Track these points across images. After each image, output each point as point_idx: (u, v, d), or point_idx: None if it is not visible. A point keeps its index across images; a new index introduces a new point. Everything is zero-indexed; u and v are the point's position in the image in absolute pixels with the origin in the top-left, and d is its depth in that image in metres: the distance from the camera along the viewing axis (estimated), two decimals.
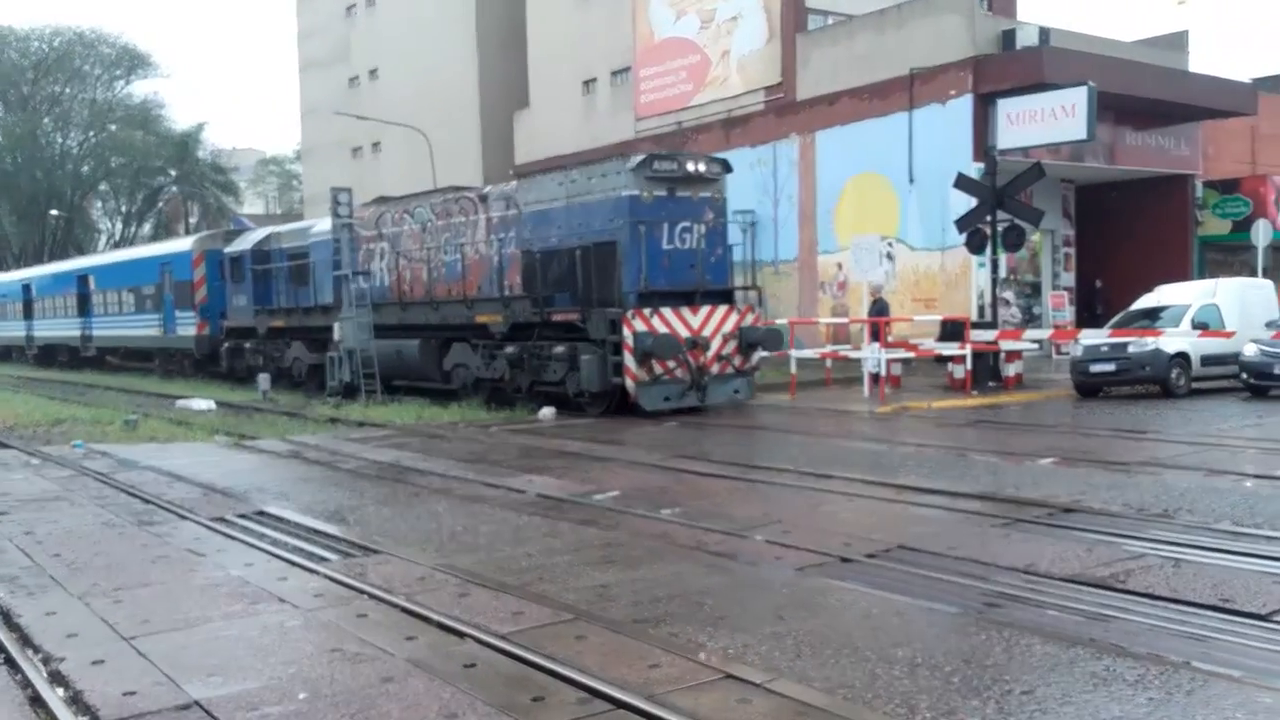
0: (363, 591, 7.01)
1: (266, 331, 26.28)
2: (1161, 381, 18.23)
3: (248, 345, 27.40)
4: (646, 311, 16.59)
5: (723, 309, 17.60)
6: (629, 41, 33.29)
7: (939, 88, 24.17)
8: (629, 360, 16.54)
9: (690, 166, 17.49)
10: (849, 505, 9.55)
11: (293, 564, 7.89)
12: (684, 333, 16.86)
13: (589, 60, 35.26)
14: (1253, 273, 25.55)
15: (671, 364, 16.84)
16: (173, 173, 66.00)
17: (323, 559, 8.03)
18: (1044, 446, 12.83)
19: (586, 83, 35.93)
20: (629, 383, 16.63)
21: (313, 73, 51.97)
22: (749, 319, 17.94)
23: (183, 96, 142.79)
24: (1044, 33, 24.60)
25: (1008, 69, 23.72)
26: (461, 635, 6.02)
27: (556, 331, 17.89)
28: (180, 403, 22.05)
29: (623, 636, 5.94)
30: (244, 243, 27.80)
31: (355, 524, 9.43)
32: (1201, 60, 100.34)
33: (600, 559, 7.78)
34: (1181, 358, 18.36)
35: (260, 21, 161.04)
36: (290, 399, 22.82)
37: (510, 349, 18.63)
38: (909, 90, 24.58)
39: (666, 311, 16.80)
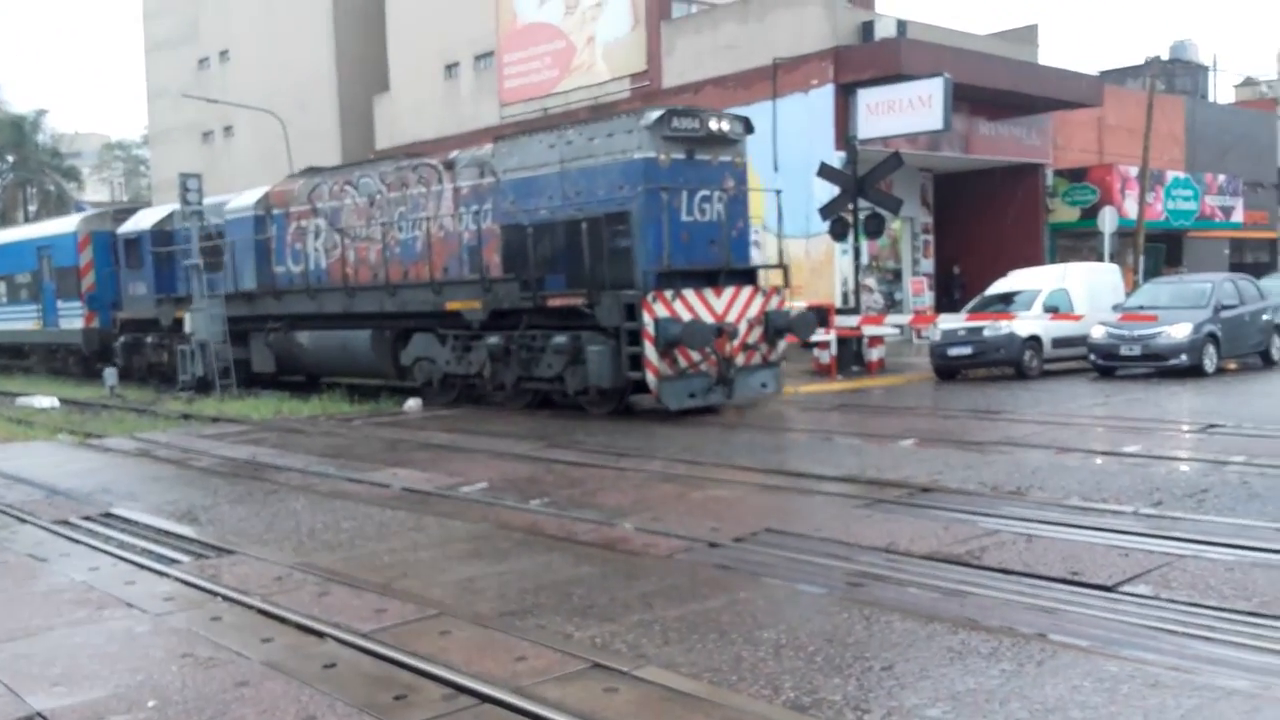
0: (216, 594, 6.73)
1: (171, 324, 22.67)
2: (1015, 363, 18.93)
3: (149, 340, 23.88)
4: (668, 294, 14.31)
5: (747, 290, 15.32)
6: (492, 26, 32.87)
7: (801, 77, 24.55)
8: (650, 352, 14.18)
9: (714, 124, 15.11)
10: (718, 491, 9.62)
11: (141, 567, 7.55)
12: (708, 319, 14.62)
13: (451, 44, 34.67)
14: (1100, 258, 26.77)
15: (697, 356, 14.66)
16: (10, 159, 62.51)
17: (174, 561, 7.69)
18: (905, 428, 13.17)
19: (449, 67, 35.34)
20: (650, 378, 14.31)
21: (160, 54, 49.78)
22: (773, 302, 15.73)
23: (21, 80, 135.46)
24: (901, 25, 25.22)
25: (867, 60, 24.24)
26: (321, 635, 5.83)
27: (549, 319, 15.65)
28: (21, 400, 20.92)
29: (489, 630, 5.84)
30: (141, 222, 24.14)
31: (209, 524, 9.07)
32: (1051, 54, 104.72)
33: (467, 552, 7.65)
34: (1034, 340, 19.10)
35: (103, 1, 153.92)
36: (140, 394, 21.85)
37: (493, 339, 16.25)
38: (772, 80, 24.90)
39: (689, 294, 14.54)
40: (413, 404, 17.53)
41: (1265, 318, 19.72)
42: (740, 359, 15.09)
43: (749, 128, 15.77)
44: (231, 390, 19.98)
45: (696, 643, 5.51)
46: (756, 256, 18.19)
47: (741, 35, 26.09)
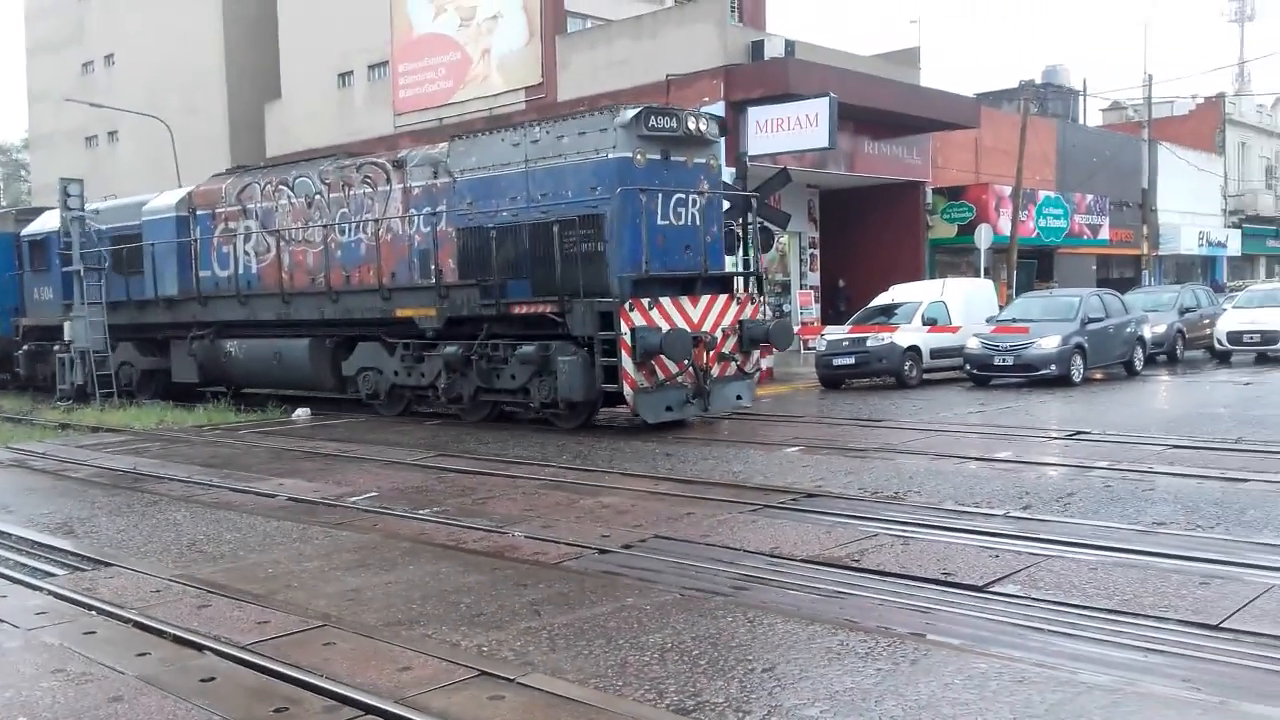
0: (91, 607, 6.55)
1: None
2: (896, 373, 19.49)
3: (57, 348, 21.43)
4: (645, 302, 13.74)
5: (723, 299, 14.82)
6: (387, 36, 32.51)
7: (693, 94, 24.86)
8: (627, 363, 13.53)
9: (692, 124, 14.46)
10: (609, 498, 9.69)
11: (13, 581, 7.30)
12: (684, 328, 14.04)
13: (345, 53, 34.16)
14: (976, 273, 27.73)
15: (674, 368, 14.02)
16: None
17: (47, 574, 7.46)
18: (791, 436, 13.46)
19: (343, 75, 34.80)
20: (626, 390, 13.62)
21: (42, 56, 47.88)
22: (747, 310, 15.19)
23: None
24: (790, 45, 25.76)
25: (756, 79, 24.68)
26: (200, 648, 5.72)
27: (512, 327, 14.94)
28: None
29: (374, 640, 5.81)
30: (47, 223, 22.31)
31: (85, 536, 8.80)
32: (931, 76, 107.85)
33: (353, 563, 7.58)
34: (914, 351, 19.70)
35: None
36: (17, 404, 20.98)
37: (450, 349, 15.33)
38: (665, 96, 25.16)
39: (666, 302, 13.99)
40: (301, 413, 17.22)
41: (1129, 330, 20.68)
42: (714, 370, 14.59)
43: (724, 129, 15.22)
44: (113, 400, 19.26)
45: (583, 649, 5.57)
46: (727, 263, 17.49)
47: (635, 51, 26.33)
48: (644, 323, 13.60)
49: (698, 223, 14.62)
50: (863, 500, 9.27)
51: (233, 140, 38.53)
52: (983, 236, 27.85)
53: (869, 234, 29.93)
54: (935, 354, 20.05)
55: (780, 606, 6.23)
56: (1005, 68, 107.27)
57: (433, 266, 15.66)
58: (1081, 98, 45.36)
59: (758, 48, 25.48)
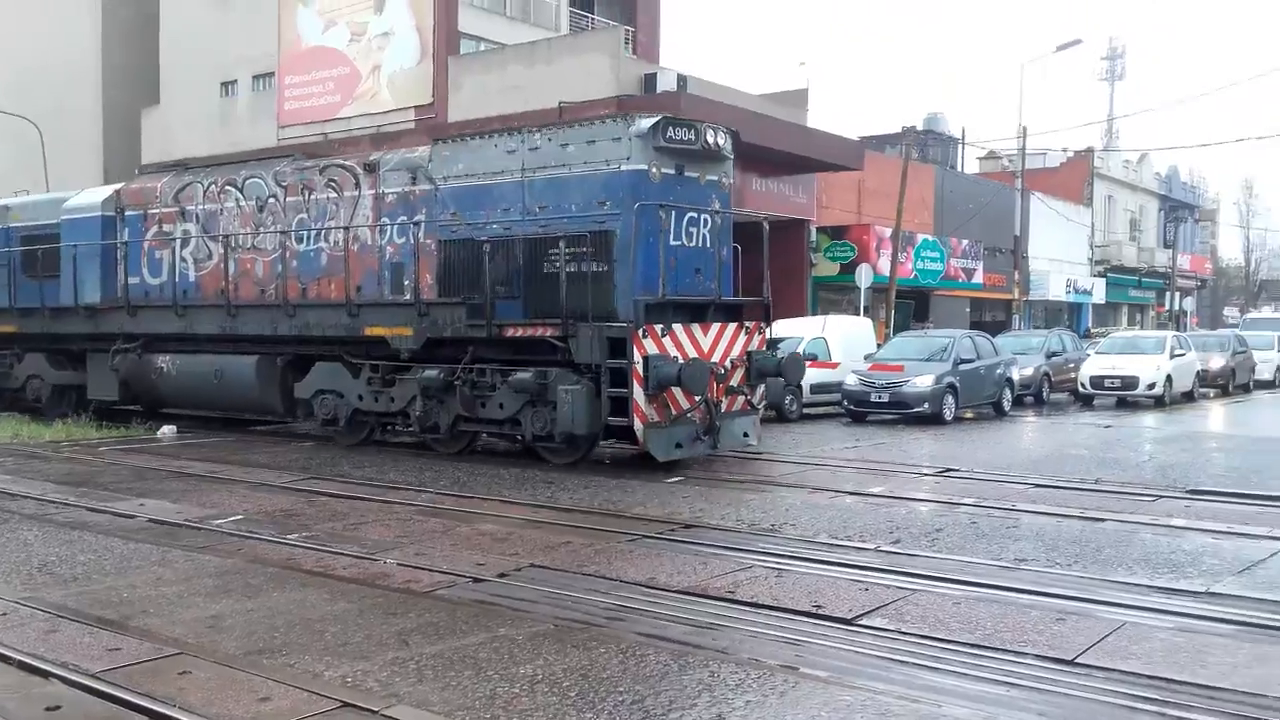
0: None
1: None
2: (777, 407, 19.67)
3: None
4: (659, 329, 12.70)
5: (732, 328, 13.74)
6: (273, 46, 31.86)
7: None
8: (639, 395, 12.44)
9: (710, 137, 13.39)
10: (486, 526, 9.57)
11: None
12: (699, 359, 12.99)
13: (229, 61, 33.34)
14: (856, 311, 28.40)
15: (685, 402, 12.94)
16: None
17: None
18: (671, 467, 13.49)
19: (226, 84, 33.95)
20: (638, 425, 12.50)
21: None
22: (754, 341, 14.11)
23: None
24: (682, 80, 26.11)
25: (649, 110, 24.92)
26: (46, 675, 5.44)
27: (500, 351, 13.67)
28: None
29: (233, 670, 5.61)
30: None
31: None
32: (818, 117, 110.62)
33: (215, 588, 7.31)
34: (795, 386, 20.01)
35: None
36: None
37: (430, 373, 13.91)
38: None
39: (679, 330, 12.95)
40: (167, 430, 16.60)
41: (999, 372, 21.43)
42: (723, 404, 13.51)
43: (738, 142, 14.23)
44: None
45: (452, 680, 5.46)
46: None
47: (528, 77, 26.34)
48: (656, 351, 12.56)
49: (708, 244, 13.62)
50: (740, 532, 9.35)
51: (106, 144, 37.17)
52: (863, 276, 28.58)
53: (755, 270, 30.38)
54: (815, 389, 20.42)
55: (654, 637, 6.22)
56: (889, 113, 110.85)
57: (407, 282, 14.38)
58: (960, 146, 47.04)
59: (651, 80, 25.76)
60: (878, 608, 6.81)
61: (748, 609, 6.85)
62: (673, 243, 12.92)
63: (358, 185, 15.15)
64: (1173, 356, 24.95)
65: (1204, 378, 27.31)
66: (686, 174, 13.29)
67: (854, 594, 7.18)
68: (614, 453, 14.39)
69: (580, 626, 6.46)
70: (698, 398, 12.86)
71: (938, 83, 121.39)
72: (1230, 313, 67.18)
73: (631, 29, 32.25)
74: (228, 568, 7.93)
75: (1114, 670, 5.66)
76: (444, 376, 13.84)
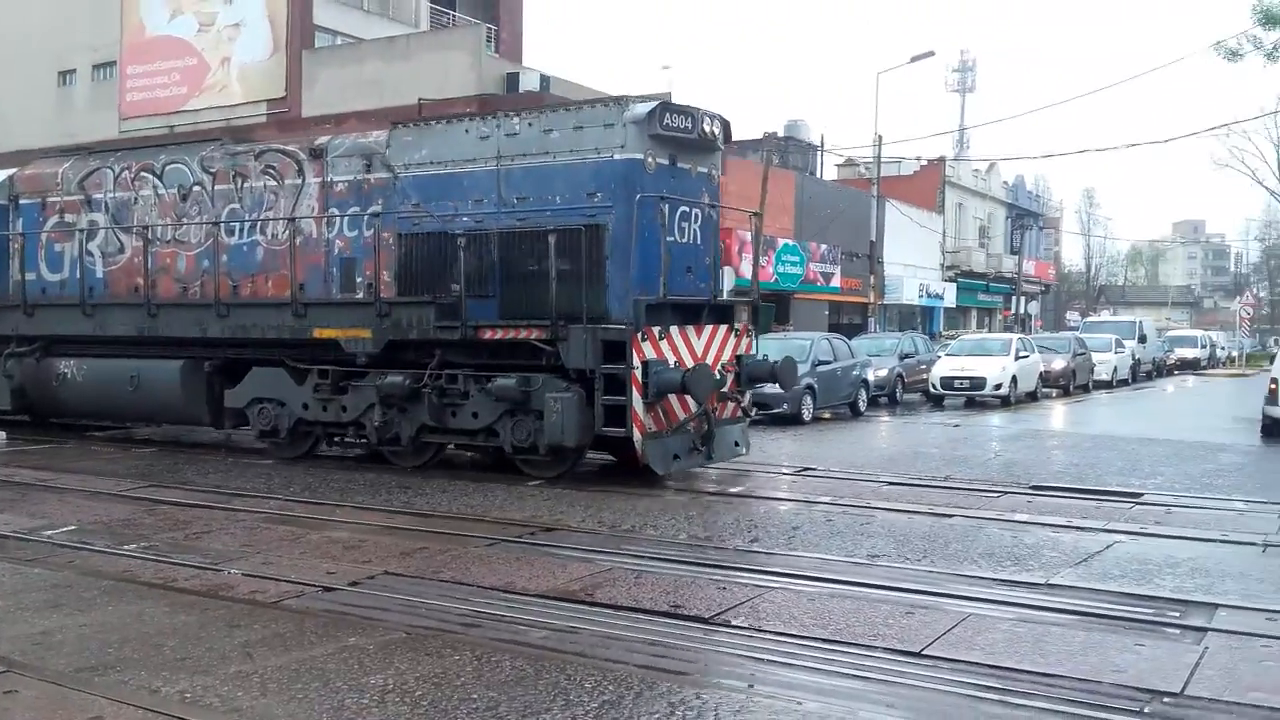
0: None
1: None
2: None
3: None
4: (657, 332, 11.83)
5: (723, 330, 12.88)
6: (115, 35, 30.48)
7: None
8: (638, 403, 11.58)
9: (706, 126, 12.46)
10: (337, 533, 9.29)
11: None
12: (690, 363, 12.15)
13: (66, 49, 31.79)
14: None
15: (680, 411, 12.14)
16: None
17: None
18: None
19: (64, 73, 32.36)
20: (637, 436, 11.59)
21: None
22: (742, 344, 13.21)
23: None
24: (546, 80, 26.02)
25: (512, 110, 24.75)
26: None
27: (472, 356, 12.57)
28: None
29: (63, 688, 5.29)
30: None
31: None
32: None
33: (45, 603, 6.89)
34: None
35: None
36: None
37: (393, 379, 12.68)
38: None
39: (675, 333, 12.10)
40: None
41: (855, 373, 22.00)
42: (715, 412, 12.60)
43: (728, 134, 13.18)
44: None
45: (298, 693, 5.26)
46: None
47: (387, 73, 25.86)
48: (654, 355, 11.72)
49: (699, 241, 12.77)
50: (600, 535, 9.31)
51: None
52: (726, 279, 28.93)
53: None
54: None
55: (510, 642, 6.11)
56: (750, 119, 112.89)
57: (359, 279, 13.22)
58: (819, 152, 48.14)
59: (513, 80, 25.60)
60: (735, 606, 6.85)
61: (607, 611, 6.80)
62: (666, 239, 12.02)
63: (301, 172, 13.79)
64: (1017, 358, 26.06)
65: (1046, 378, 28.61)
66: (679, 165, 12.36)
67: (712, 593, 7.21)
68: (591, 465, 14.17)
69: (434, 634, 6.30)
70: (697, 408, 12.12)
71: (798, 90, 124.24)
72: (1072, 317, 70.56)
73: (494, 27, 31.98)
74: (59, 581, 7.49)
75: (959, 661, 5.81)
76: (409, 383, 12.63)
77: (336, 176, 13.51)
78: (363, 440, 13.53)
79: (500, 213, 12.36)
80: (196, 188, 14.63)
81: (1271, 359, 23.40)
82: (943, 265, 52.34)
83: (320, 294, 13.48)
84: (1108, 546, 8.96)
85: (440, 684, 5.38)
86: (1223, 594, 7.38)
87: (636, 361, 11.51)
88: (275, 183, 14.00)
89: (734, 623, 6.53)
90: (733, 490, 11.70)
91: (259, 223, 13.99)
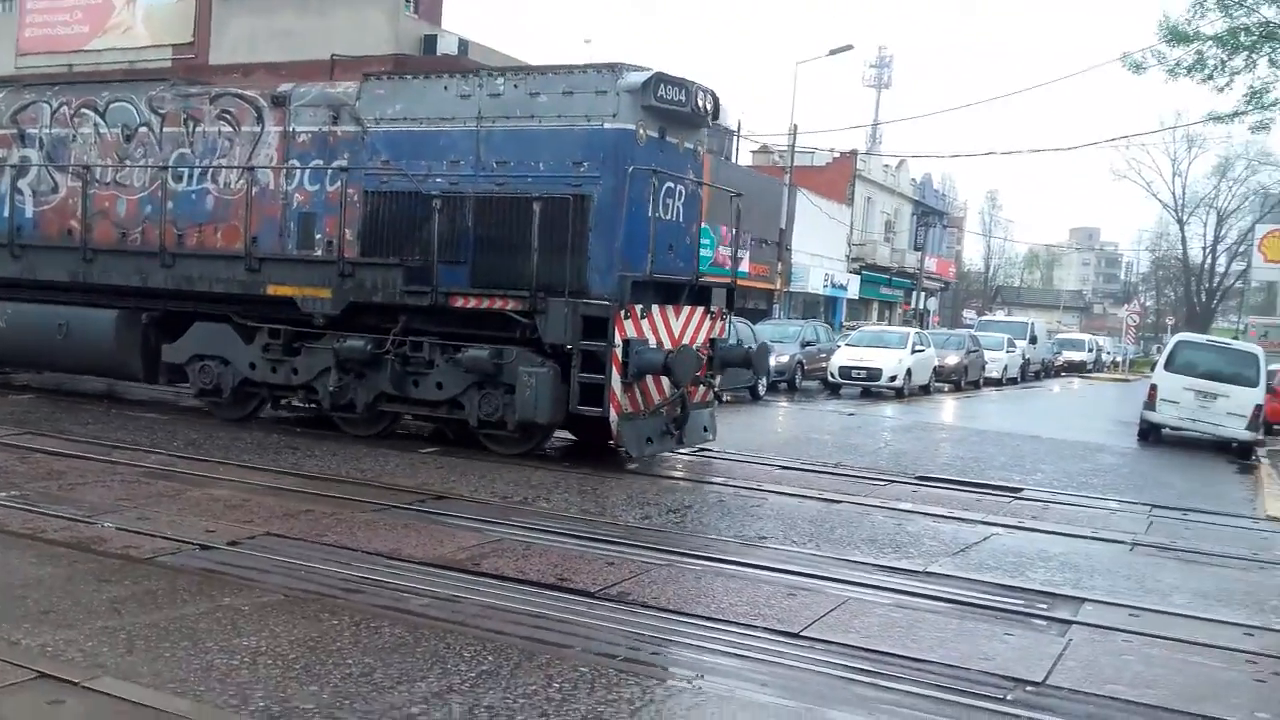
0: None
1: None
2: None
3: None
4: (639, 310, 11.49)
5: (699, 312, 12.59)
6: None
7: (360, 79, 24.13)
8: (616, 382, 11.23)
9: (700, 100, 12.10)
10: (220, 491, 9.06)
11: None
12: (668, 344, 11.82)
13: None
14: None
15: (656, 395, 11.83)
16: None
17: None
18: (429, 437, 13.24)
19: None
20: (613, 417, 11.23)
21: None
22: (716, 327, 12.89)
23: None
24: (464, 44, 25.62)
25: (427, 70, 24.35)
26: None
27: (441, 323, 12.08)
28: None
29: None
30: None
31: None
32: None
33: None
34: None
35: None
36: None
37: (353, 343, 12.17)
38: (330, 76, 24.22)
39: (656, 312, 11.78)
40: None
41: None
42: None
43: (718, 111, 12.80)
44: None
45: (166, 651, 5.12)
46: None
47: (300, 25, 25.20)
48: (635, 334, 11.38)
49: (681, 219, 12.40)
50: (491, 505, 9.26)
51: None
52: None
53: None
54: None
55: (391, 609, 6.04)
56: None
57: (319, 235, 12.59)
58: (735, 137, 48.39)
59: (431, 42, 25.17)
60: (621, 581, 6.88)
61: (492, 581, 6.77)
62: (650, 214, 11.60)
63: (260, 120, 13.04)
64: (914, 352, 26.63)
65: (940, 373, 29.32)
66: (668, 139, 11.97)
67: (600, 568, 7.22)
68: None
69: (313, 598, 6.20)
70: (673, 390, 11.82)
71: (718, 73, 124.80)
72: (969, 314, 72.39)
73: None
74: None
75: (835, 643, 5.93)
76: (371, 348, 12.12)
77: (299, 127, 12.84)
78: (313, 405, 13.07)
79: (478, 176, 11.89)
80: (143, 129, 13.77)
81: (1153, 366, 24.33)
82: (848, 257, 53.13)
83: (275, 249, 12.82)
84: (985, 538, 9.23)
85: (315, 648, 5.30)
86: (1090, 589, 7.66)
87: (618, 339, 11.17)
88: (231, 129, 13.25)
89: (619, 598, 6.56)
90: (629, 468, 11.74)
91: (211, 170, 13.25)
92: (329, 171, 12.53)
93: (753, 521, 9.26)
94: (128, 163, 13.83)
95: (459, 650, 5.37)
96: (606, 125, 11.40)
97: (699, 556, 7.77)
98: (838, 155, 54.48)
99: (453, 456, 11.72)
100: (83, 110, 14.25)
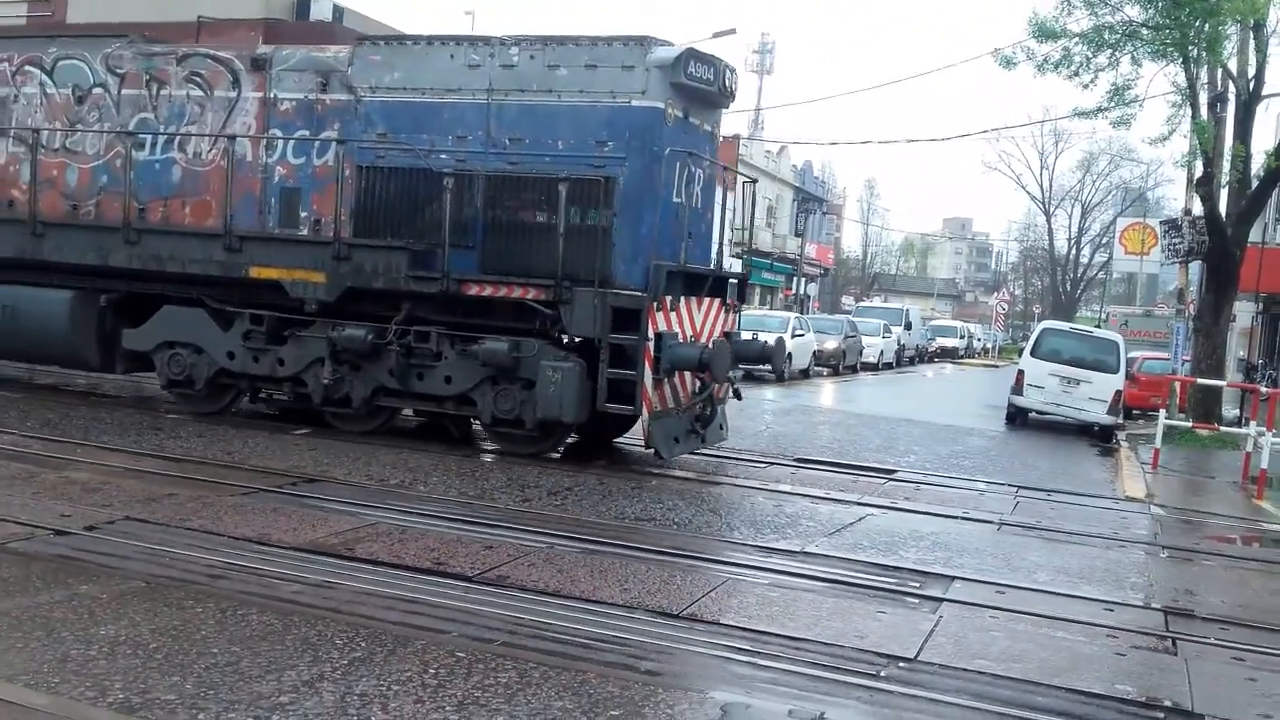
0: None
1: None
2: None
3: None
4: (669, 301, 10.81)
5: (716, 304, 11.92)
6: None
7: (227, 42, 23.26)
8: (649, 378, 10.51)
9: (727, 79, 11.47)
10: (77, 474, 8.62)
11: None
12: (691, 338, 11.27)
13: None
14: None
15: (680, 391, 11.26)
16: None
17: None
18: (300, 420, 12.85)
19: None
20: (644, 415, 10.54)
21: None
22: (729, 320, 12.31)
23: None
24: (339, 10, 24.87)
25: (299, 37, 23.42)
26: None
27: (447, 313, 11.22)
28: None
29: None
30: None
31: None
32: None
33: None
34: None
35: None
36: None
37: (353, 332, 11.21)
38: (195, 37, 23.31)
39: (683, 305, 11.14)
40: None
41: None
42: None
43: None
44: None
45: (17, 642, 4.85)
46: None
47: None
48: (665, 327, 10.70)
49: (699, 204, 11.77)
50: (366, 488, 9.04)
51: None
52: None
53: None
54: None
55: (260, 596, 5.84)
56: None
57: (305, 214, 11.61)
58: None
59: (304, 6, 24.35)
60: (500, 565, 6.78)
61: (366, 567, 6.60)
62: (675, 200, 11.02)
63: (236, 84, 12.05)
64: (794, 336, 27.01)
65: (820, 357, 29.86)
66: (690, 119, 11.28)
67: (478, 552, 7.11)
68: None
69: (177, 585, 5.95)
70: (702, 387, 11.36)
71: None
72: (847, 301, 73.95)
73: None
74: None
75: (713, 623, 5.95)
76: (372, 338, 11.19)
77: (282, 93, 11.86)
78: (299, 398, 12.00)
79: (488, 153, 11.03)
80: (97, 90, 12.57)
81: (1021, 352, 25.24)
82: (731, 241, 53.63)
83: (252, 226, 11.76)
84: (860, 519, 9.42)
85: (178, 637, 5.08)
86: (959, 567, 7.87)
87: (650, 333, 10.52)
88: (202, 93, 12.17)
89: (497, 582, 6.47)
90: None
91: (178, 138, 12.12)
92: (316, 143, 11.59)
93: (634, 504, 9.25)
94: (79, 127, 12.57)
95: (331, 637, 5.22)
96: (634, 103, 10.66)
97: (579, 539, 7.72)
98: (721, 140, 54.81)
99: (326, 439, 11.40)
100: (26, 67, 12.91)
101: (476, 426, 12.06)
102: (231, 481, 8.76)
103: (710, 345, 11.11)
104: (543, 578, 6.60)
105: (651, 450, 10.92)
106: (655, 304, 10.54)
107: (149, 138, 12.23)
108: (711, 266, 12.23)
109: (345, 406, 11.67)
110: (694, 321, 11.39)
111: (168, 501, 7.84)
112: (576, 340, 10.93)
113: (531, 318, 10.97)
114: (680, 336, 10.95)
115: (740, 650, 5.54)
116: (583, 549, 7.45)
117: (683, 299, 11.17)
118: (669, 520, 8.68)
